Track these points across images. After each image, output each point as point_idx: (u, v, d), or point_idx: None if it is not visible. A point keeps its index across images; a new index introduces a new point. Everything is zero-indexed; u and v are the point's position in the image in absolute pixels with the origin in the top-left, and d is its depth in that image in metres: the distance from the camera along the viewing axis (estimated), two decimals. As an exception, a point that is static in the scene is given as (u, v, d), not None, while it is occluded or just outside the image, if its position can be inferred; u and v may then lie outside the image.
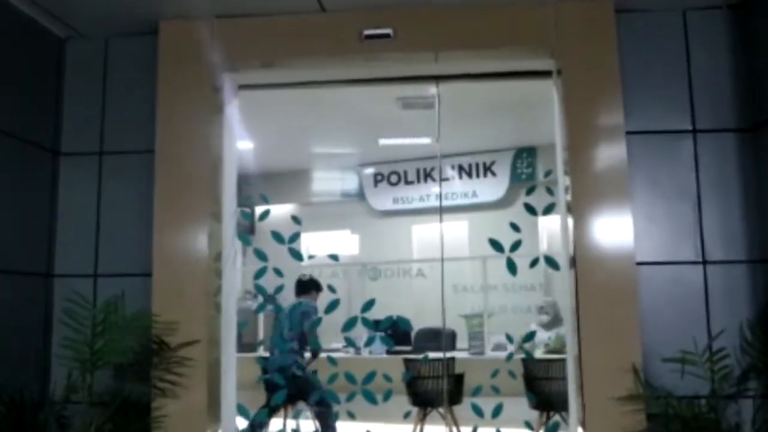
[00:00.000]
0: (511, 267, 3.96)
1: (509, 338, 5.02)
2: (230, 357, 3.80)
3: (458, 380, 6.31)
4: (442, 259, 6.15)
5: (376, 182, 9.30)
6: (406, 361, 6.41)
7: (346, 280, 9.41)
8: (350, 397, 4.14)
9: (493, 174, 8.71)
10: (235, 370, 3.86)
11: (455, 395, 6.28)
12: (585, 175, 3.46)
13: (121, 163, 3.82)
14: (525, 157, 8.62)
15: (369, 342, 6.28)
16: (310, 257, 4.87)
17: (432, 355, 7.11)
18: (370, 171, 9.35)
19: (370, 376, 4.06)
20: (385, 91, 6.26)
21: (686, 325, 3.30)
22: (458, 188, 8.87)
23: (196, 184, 3.71)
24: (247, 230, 10.36)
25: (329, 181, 9.59)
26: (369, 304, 4.11)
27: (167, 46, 3.75)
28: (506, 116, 7.55)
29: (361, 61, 3.75)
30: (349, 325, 4.09)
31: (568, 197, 3.56)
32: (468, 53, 3.67)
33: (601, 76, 3.48)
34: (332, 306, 4.12)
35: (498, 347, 6.87)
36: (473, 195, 8.79)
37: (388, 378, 4.36)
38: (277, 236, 4.30)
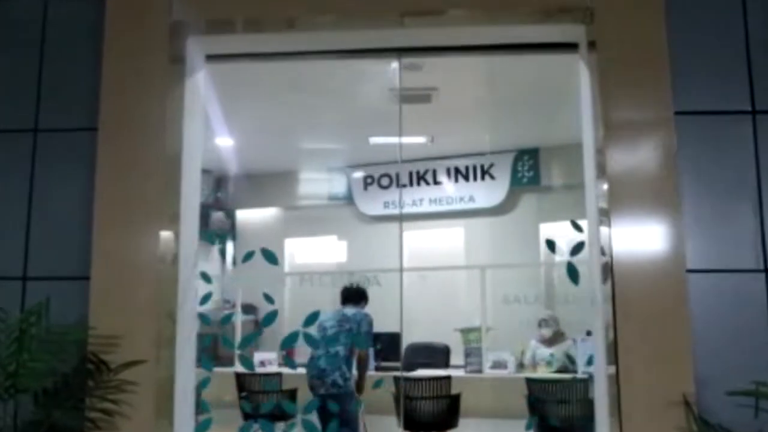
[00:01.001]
0: (573, 274, 3.20)
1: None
2: (187, 378, 3.15)
3: (454, 402, 5.68)
4: (401, 269, 5.62)
5: (366, 185, 8.68)
6: (396, 380, 5.78)
7: (333, 288, 8.76)
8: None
9: (492, 177, 8.11)
10: (192, 393, 3.21)
11: (450, 418, 5.65)
12: (625, 172, 2.85)
13: (59, 143, 3.17)
14: (527, 159, 8.02)
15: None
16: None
17: (424, 373, 6.49)
18: (359, 174, 8.73)
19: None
20: (379, 79, 5.66)
21: (747, 346, 2.68)
22: (454, 192, 8.26)
23: (148, 172, 3.06)
24: (227, 231, 9.75)
25: (316, 183, 8.96)
26: (312, 317, 3.42)
27: (116, 4, 3.13)
28: (507, 113, 6.96)
29: (356, 21, 3.12)
30: (288, 341, 3.41)
31: (602, 202, 2.93)
32: (473, 16, 3.04)
33: (644, 48, 2.88)
34: (269, 319, 3.43)
35: (498, 365, 6.24)
36: (470, 200, 8.18)
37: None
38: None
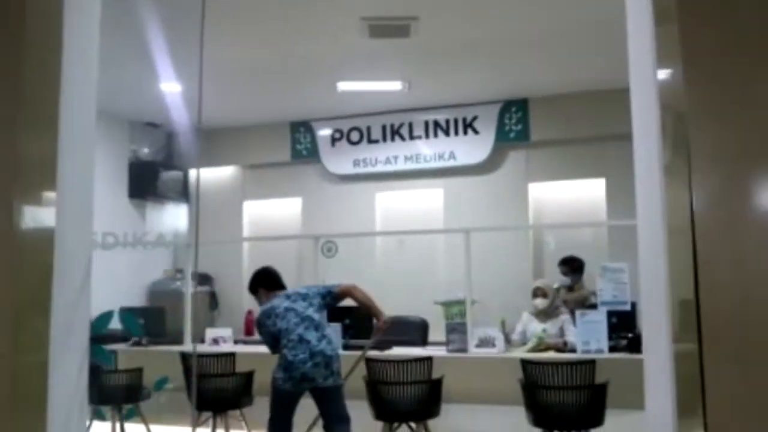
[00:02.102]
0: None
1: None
2: (68, 367, 2.23)
3: (435, 386, 4.85)
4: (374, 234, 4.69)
5: (334, 141, 7.74)
6: (367, 361, 4.92)
7: (297, 257, 7.88)
8: None
9: (475, 131, 7.23)
10: (78, 383, 2.30)
11: (431, 406, 4.82)
12: (720, 111, 1.94)
13: None
14: (514, 111, 7.15)
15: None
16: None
17: (401, 352, 5.66)
18: (326, 128, 7.78)
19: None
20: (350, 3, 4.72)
21: None
22: (432, 149, 7.37)
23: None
24: (179, 194, 8.76)
25: (277, 140, 7.99)
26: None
27: None
28: (495, 55, 6.06)
29: None
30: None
31: (673, 155, 2.04)
32: None
33: None
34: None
35: (485, 343, 5.41)
36: (450, 157, 7.30)
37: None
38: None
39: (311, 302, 4.70)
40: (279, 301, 4.67)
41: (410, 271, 7.44)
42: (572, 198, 7.05)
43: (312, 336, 4.57)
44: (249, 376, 5.50)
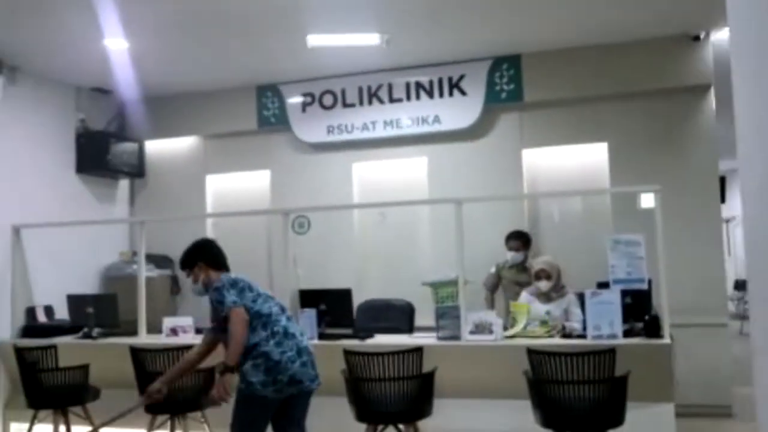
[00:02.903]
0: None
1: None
2: None
3: (426, 382, 4.17)
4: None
5: (305, 106, 6.96)
6: (346, 353, 4.22)
7: (267, 235, 7.14)
8: None
9: (462, 92, 6.49)
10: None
11: (422, 404, 4.14)
12: None
13: None
14: (506, 69, 6.42)
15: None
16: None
17: (384, 341, 4.97)
18: (296, 92, 7.00)
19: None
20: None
21: None
22: (414, 113, 6.63)
23: None
24: (134, 169, 7.92)
25: (242, 106, 7.19)
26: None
27: None
28: (481, 8, 5.32)
29: None
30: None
31: None
32: None
33: None
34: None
35: (480, 328, 4.74)
36: (435, 121, 6.56)
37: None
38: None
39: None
40: (246, 278, 3.89)
41: (393, 249, 6.73)
42: (571, 165, 6.36)
43: (296, 329, 3.84)
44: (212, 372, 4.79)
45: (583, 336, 4.61)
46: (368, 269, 6.76)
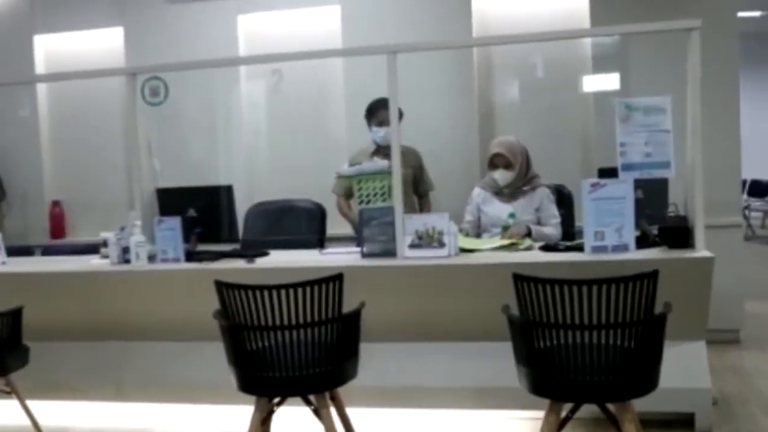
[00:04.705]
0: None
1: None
2: None
3: (348, 327, 2.61)
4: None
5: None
6: (220, 287, 2.56)
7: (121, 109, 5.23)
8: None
9: None
10: None
11: (343, 363, 2.60)
12: None
13: None
14: None
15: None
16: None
17: (281, 260, 3.38)
18: None
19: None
20: None
21: None
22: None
23: None
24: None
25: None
26: None
27: None
28: None
29: None
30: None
31: None
32: None
33: None
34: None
35: (426, 240, 3.20)
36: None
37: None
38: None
39: None
40: None
41: (296, 127, 5.00)
42: (536, 11, 4.74)
43: None
44: (15, 318, 3.12)
45: (573, 248, 3.15)
46: (259, 158, 5.04)
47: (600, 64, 4.57)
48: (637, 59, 4.39)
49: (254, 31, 5.08)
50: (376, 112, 4.04)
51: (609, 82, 4.57)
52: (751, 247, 8.22)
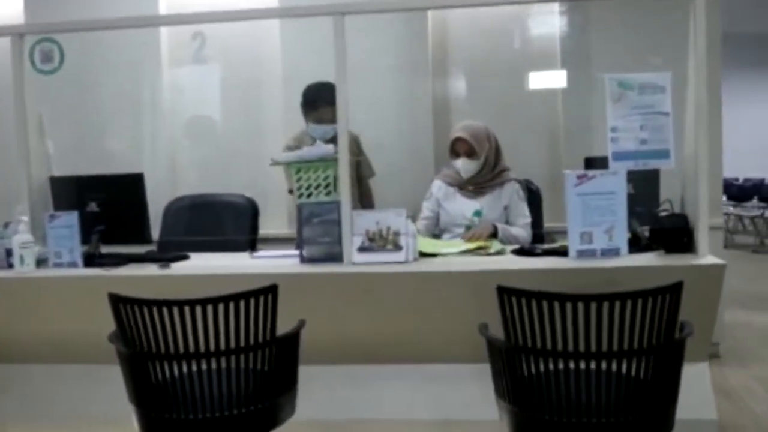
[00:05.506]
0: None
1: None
2: None
3: (284, 354, 2.04)
4: None
5: None
6: (116, 302, 1.95)
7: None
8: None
9: None
10: None
11: (276, 398, 2.03)
12: None
13: None
14: None
15: None
16: None
17: (203, 265, 2.77)
18: None
19: None
20: None
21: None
22: None
23: None
24: None
25: None
26: None
27: None
28: None
29: None
30: None
31: None
32: None
33: None
34: None
35: (379, 242, 2.66)
36: None
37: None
38: None
39: None
40: None
41: (225, 104, 4.32)
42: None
43: None
44: None
45: (554, 252, 2.66)
46: (182, 144, 4.37)
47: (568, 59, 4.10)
48: (605, 52, 3.95)
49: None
50: (316, 107, 3.36)
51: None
52: (729, 253, 7.88)
